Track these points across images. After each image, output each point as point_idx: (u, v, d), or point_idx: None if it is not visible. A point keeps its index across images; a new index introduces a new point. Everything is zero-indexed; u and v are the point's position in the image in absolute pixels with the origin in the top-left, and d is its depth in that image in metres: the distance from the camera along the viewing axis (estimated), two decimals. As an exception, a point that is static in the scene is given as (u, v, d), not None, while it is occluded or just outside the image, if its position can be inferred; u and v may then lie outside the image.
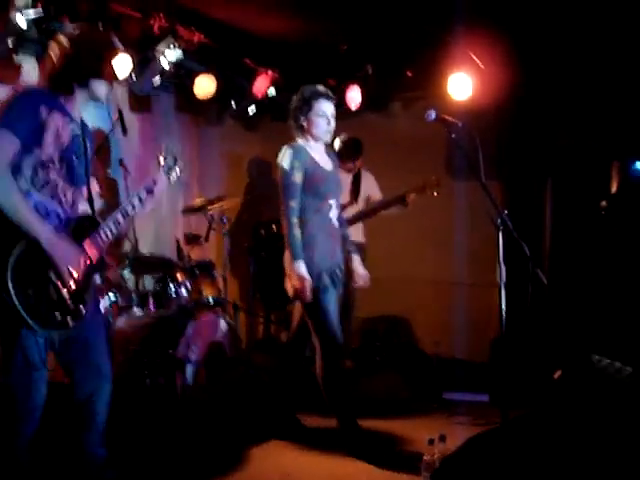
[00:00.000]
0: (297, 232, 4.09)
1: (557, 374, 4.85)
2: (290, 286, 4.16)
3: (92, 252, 3.23)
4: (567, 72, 5.83)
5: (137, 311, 4.94)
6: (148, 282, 5.42)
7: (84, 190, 3.36)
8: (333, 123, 4.30)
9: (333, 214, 4.31)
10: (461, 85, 5.98)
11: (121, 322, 4.78)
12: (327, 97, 4.28)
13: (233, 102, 6.55)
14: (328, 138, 4.34)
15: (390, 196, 5.69)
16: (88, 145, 3.32)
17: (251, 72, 6.35)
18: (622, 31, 5.30)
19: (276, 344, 6.68)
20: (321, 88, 4.32)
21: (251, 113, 6.69)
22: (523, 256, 3.96)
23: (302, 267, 4.07)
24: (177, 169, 3.63)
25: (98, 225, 3.29)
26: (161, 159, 3.59)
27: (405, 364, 6.07)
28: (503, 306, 3.99)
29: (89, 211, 3.34)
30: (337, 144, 5.89)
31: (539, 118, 6.14)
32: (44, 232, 3.01)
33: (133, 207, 3.39)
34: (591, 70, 5.75)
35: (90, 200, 3.36)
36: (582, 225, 6.16)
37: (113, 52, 3.28)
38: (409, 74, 6.42)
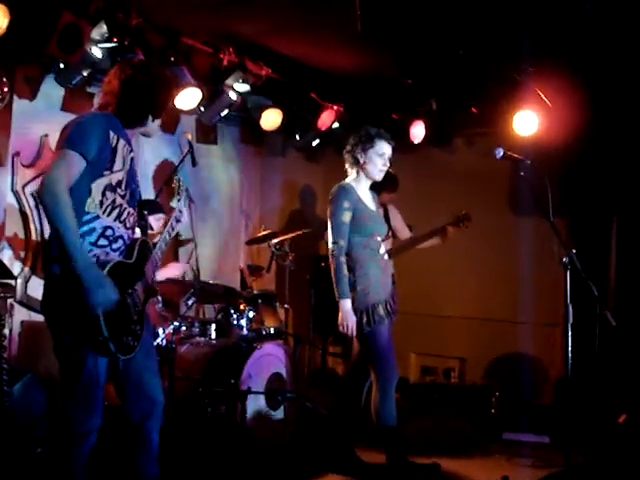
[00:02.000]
0: (345, 270, 4.18)
1: (622, 418, 4.75)
2: (339, 322, 4.21)
3: (150, 276, 3.29)
4: (634, 111, 5.75)
5: (199, 340, 5.00)
6: (211, 311, 5.48)
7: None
8: (388, 165, 4.40)
9: (382, 249, 4.40)
10: (527, 122, 5.94)
11: (183, 350, 4.84)
12: (388, 140, 4.40)
13: (297, 135, 6.62)
14: (380, 178, 4.43)
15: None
16: (137, 171, 3.41)
17: (317, 106, 6.43)
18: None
19: (334, 377, 6.67)
20: (382, 130, 4.43)
21: (314, 144, 6.76)
22: (590, 296, 3.91)
23: (348, 305, 4.16)
24: (184, 196, 3.67)
25: (151, 249, 3.35)
26: (175, 187, 3.63)
27: (466, 403, 5.99)
28: (569, 347, 3.93)
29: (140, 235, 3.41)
30: None
31: (605, 156, 6.06)
32: (86, 266, 2.96)
33: (169, 235, 3.47)
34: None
35: (145, 224, 3.44)
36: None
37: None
38: (474, 110, 6.41)
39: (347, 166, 4.42)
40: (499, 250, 6.42)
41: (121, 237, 3.17)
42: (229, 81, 5.67)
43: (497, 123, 6.18)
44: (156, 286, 3.59)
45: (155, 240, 3.42)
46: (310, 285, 6.04)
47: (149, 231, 3.61)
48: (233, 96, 5.69)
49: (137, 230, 3.43)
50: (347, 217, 4.24)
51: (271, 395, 4.82)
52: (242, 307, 5.10)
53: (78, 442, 3.05)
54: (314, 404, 5.11)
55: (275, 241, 5.58)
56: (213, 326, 5.08)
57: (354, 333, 4.18)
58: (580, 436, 4.34)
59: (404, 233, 5.95)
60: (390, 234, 6.08)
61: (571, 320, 3.95)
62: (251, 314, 5.12)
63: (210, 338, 5.04)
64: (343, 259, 4.20)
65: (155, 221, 4.94)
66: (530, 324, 6.17)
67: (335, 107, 6.45)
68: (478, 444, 5.39)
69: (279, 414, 4.92)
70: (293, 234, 5.76)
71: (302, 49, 5.78)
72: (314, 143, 6.74)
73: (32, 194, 5.23)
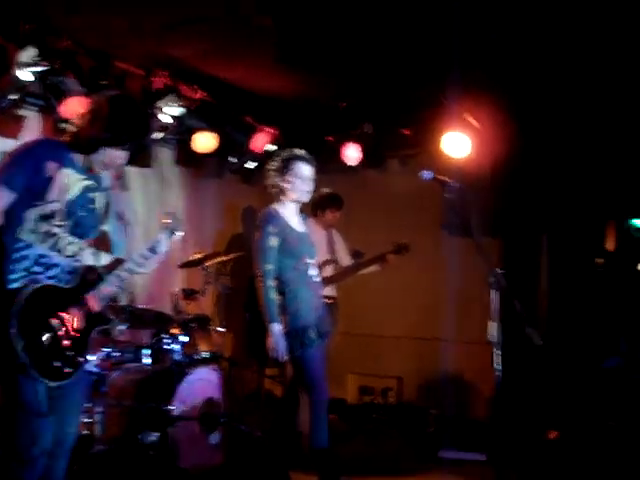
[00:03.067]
0: (272, 295, 4.20)
1: (552, 435, 4.84)
2: (268, 346, 4.22)
3: (94, 304, 3.24)
4: (562, 131, 5.92)
5: (132, 365, 4.93)
6: (143, 336, 5.41)
7: (91, 243, 3.38)
8: (312, 186, 4.41)
9: (312, 271, 4.40)
10: (457, 144, 6.05)
11: (115, 376, 4.77)
12: (306, 160, 4.41)
13: (232, 157, 6.63)
14: (306, 199, 4.46)
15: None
16: (101, 199, 3.35)
17: (251, 129, 6.45)
18: (617, 92, 5.39)
19: (271, 399, 6.64)
20: (300, 151, 4.45)
21: (250, 166, 6.77)
22: (516, 315, 3.98)
23: (277, 329, 4.17)
24: (179, 230, 3.66)
25: (101, 278, 3.30)
26: (163, 220, 3.62)
27: (402, 422, 6.03)
28: (496, 365, 3.99)
29: (95, 264, 3.36)
30: (316, 197, 6.00)
31: (535, 176, 6.21)
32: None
33: (137, 265, 3.41)
34: (586, 129, 5.84)
35: (96, 252, 3.38)
36: (578, 282, 6.19)
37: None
38: (406, 132, 6.51)
39: (272, 194, 4.43)
40: (432, 270, 6.51)
41: (57, 265, 3.14)
42: (162, 104, 5.65)
43: (429, 144, 6.28)
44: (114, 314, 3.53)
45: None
46: (245, 309, 6.00)
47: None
48: (165, 119, 5.66)
49: (104, 257, 3.39)
50: (273, 241, 4.25)
51: (204, 420, 4.77)
52: (175, 332, 5.05)
53: (24, 467, 3.01)
54: (248, 428, 5.09)
55: (209, 264, 5.55)
56: (146, 351, 5.01)
57: (284, 357, 4.18)
58: (514, 453, 4.40)
59: (345, 260, 6.01)
60: (332, 260, 6.14)
61: (498, 339, 4.00)
62: (185, 339, 5.07)
63: (143, 364, 4.97)
64: (270, 283, 4.21)
65: None
66: (464, 342, 6.26)
67: (269, 129, 6.48)
68: (415, 463, 5.42)
69: (213, 439, 4.87)
70: (226, 257, 5.74)
71: (236, 72, 5.81)
72: (249, 165, 6.75)
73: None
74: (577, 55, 5.04)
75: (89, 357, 3.27)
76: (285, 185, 4.35)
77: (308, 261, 4.40)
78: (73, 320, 3.14)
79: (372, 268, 5.75)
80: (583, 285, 6.18)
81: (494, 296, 4.01)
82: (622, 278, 6.20)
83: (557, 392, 5.68)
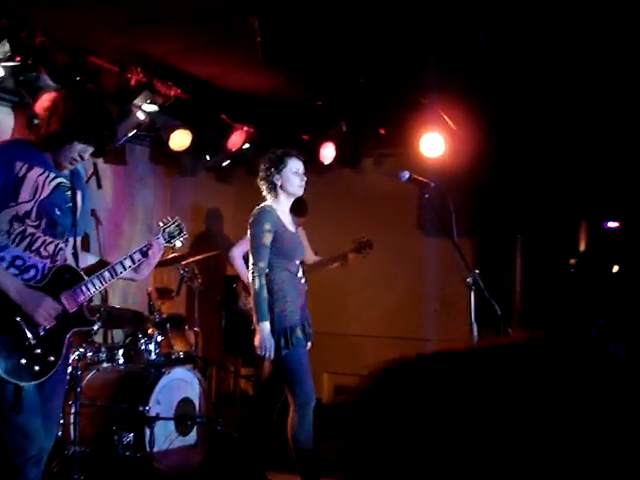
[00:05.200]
0: (264, 293, 4.17)
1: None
2: (256, 344, 4.19)
3: (70, 304, 3.18)
4: (537, 132, 5.96)
5: (106, 366, 4.89)
6: (118, 336, 5.36)
7: (69, 242, 3.34)
8: (305, 179, 4.44)
9: (300, 273, 4.43)
10: (433, 144, 6.08)
11: (90, 377, 4.72)
12: (298, 156, 4.45)
13: (207, 155, 6.59)
14: (301, 193, 4.46)
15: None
16: (78, 197, 3.30)
17: (227, 127, 6.42)
18: (591, 94, 5.44)
19: (246, 398, 6.63)
20: (291, 149, 4.49)
21: (225, 165, 6.74)
22: (494, 314, 4.01)
23: (267, 328, 4.14)
24: (181, 239, 3.62)
25: (80, 278, 3.26)
26: (161, 224, 3.58)
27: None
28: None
29: (73, 263, 3.31)
30: None
31: (509, 177, 6.26)
32: (12, 285, 3.00)
33: (124, 267, 3.35)
34: (560, 130, 5.89)
35: (75, 252, 3.33)
36: (552, 282, 6.25)
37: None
38: (382, 132, 6.52)
39: (265, 192, 4.41)
40: (407, 269, 6.53)
41: (34, 266, 3.10)
42: (137, 101, 5.59)
43: (405, 145, 6.31)
44: (90, 315, 3.47)
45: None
46: (220, 307, 5.99)
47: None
48: (141, 116, 5.61)
49: (89, 257, 3.39)
50: (268, 239, 4.23)
51: (180, 420, 4.74)
52: (150, 331, 5.01)
53: (21, 470, 2.96)
54: (225, 428, 5.06)
55: (184, 263, 5.50)
56: (120, 351, 4.97)
57: (272, 356, 4.16)
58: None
59: (310, 257, 6.00)
60: None
61: (476, 338, 4.04)
62: (159, 338, 5.03)
63: (117, 364, 4.93)
64: (263, 281, 4.18)
65: None
66: (437, 341, 6.28)
67: (245, 128, 6.45)
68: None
69: (190, 439, 4.85)
70: (202, 256, 5.70)
71: (211, 69, 5.76)
72: (224, 164, 6.72)
73: None
74: (552, 55, 5.07)
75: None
76: (281, 180, 4.34)
77: (297, 262, 4.43)
78: (43, 320, 3.08)
79: (333, 266, 5.77)
80: (556, 285, 6.24)
81: (472, 296, 4.06)
82: (595, 278, 6.27)
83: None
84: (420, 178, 4.30)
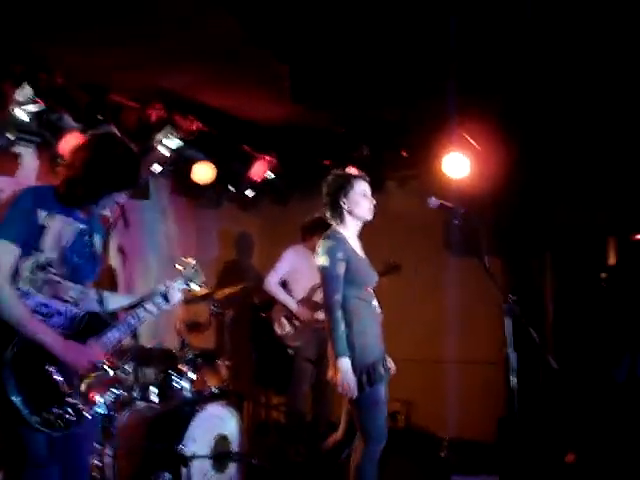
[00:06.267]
0: (342, 326, 3.90)
1: (570, 457, 4.80)
2: (337, 382, 3.92)
3: (97, 352, 3.17)
4: (563, 150, 5.91)
5: (140, 405, 4.86)
6: (149, 374, 5.33)
7: (92, 287, 3.33)
8: (374, 201, 4.20)
9: (375, 301, 4.17)
10: (457, 164, 6.02)
11: (124, 417, 4.69)
12: (363, 178, 4.24)
13: (231, 186, 6.58)
14: (371, 217, 4.20)
15: None
16: (97, 240, 3.30)
17: (249, 157, 6.41)
18: (616, 108, 5.38)
19: (279, 428, 6.57)
20: (354, 170, 4.26)
21: (250, 195, 6.73)
22: (531, 341, 3.94)
23: (347, 364, 3.87)
24: (198, 282, 3.61)
25: (106, 324, 3.24)
26: (180, 267, 3.57)
27: (412, 448, 5.95)
28: (513, 389, 3.95)
29: (98, 309, 3.29)
30: (306, 222, 6.01)
31: (536, 195, 6.20)
32: (49, 338, 2.99)
33: (146, 311, 3.34)
34: (586, 147, 5.83)
35: (99, 298, 3.32)
36: (584, 297, 6.18)
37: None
38: (404, 154, 6.48)
39: (329, 217, 4.16)
40: (436, 291, 6.46)
41: (59, 312, 3.09)
42: (159, 136, 5.61)
43: (427, 165, 6.26)
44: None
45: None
46: (250, 339, 5.96)
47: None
48: (163, 152, 5.62)
49: (112, 299, 3.39)
50: (342, 268, 3.96)
51: (217, 458, 4.70)
52: (182, 369, 4.97)
53: None
54: (260, 461, 5.02)
55: (216, 297, 5.48)
56: (154, 390, 4.93)
57: (355, 394, 3.87)
58: (528, 475, 4.36)
59: None
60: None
61: (515, 365, 3.97)
62: (192, 375, 4.99)
63: (151, 402, 4.90)
64: (340, 314, 3.91)
65: None
66: (469, 363, 6.22)
67: (267, 157, 6.44)
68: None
69: (226, 476, 4.80)
70: (233, 290, 5.67)
71: (231, 101, 5.79)
72: (248, 194, 6.71)
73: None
74: (574, 70, 5.02)
75: (97, 401, 3.17)
76: (349, 204, 4.12)
77: (370, 290, 4.16)
78: (79, 369, 3.07)
79: None
80: (589, 300, 6.17)
81: (508, 322, 3.99)
82: (626, 292, 6.19)
83: (570, 412, 5.64)
84: (449, 204, 4.24)
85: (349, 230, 4.15)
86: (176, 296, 3.46)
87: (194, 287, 3.60)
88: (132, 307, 3.40)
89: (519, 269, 6.30)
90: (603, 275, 6.36)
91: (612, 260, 6.34)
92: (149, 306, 3.36)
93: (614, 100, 5.26)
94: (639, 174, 5.80)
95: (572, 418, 5.60)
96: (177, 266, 3.58)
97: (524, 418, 4.39)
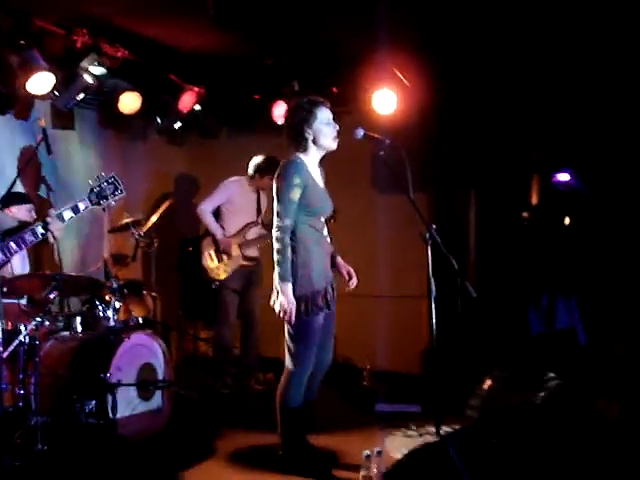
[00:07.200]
0: (289, 253, 3.93)
1: (487, 384, 4.97)
2: (277, 306, 3.99)
3: None
4: (488, 87, 5.99)
5: (65, 334, 4.83)
6: (75, 304, 5.30)
7: None
8: (337, 128, 4.15)
9: (325, 231, 4.21)
10: (385, 100, 6.06)
11: (48, 346, 4.66)
12: (326, 104, 4.16)
13: (158, 118, 6.48)
14: (335, 146, 4.17)
15: None
16: None
17: (177, 89, 6.30)
18: (544, 45, 5.45)
19: (206, 362, 6.62)
20: (318, 97, 4.18)
21: (177, 128, 6.64)
22: (450, 269, 4.05)
23: (290, 289, 3.92)
24: (116, 197, 3.56)
25: None
26: (90, 182, 3.53)
27: (337, 379, 6.09)
28: (433, 319, 4.07)
29: None
30: (258, 160, 6.02)
31: (462, 132, 6.28)
32: None
33: (45, 229, 3.34)
34: (512, 84, 5.92)
35: None
36: (505, 235, 6.33)
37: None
38: (334, 90, 6.47)
39: (292, 146, 4.10)
40: (363, 227, 6.54)
41: None
42: (84, 64, 5.44)
43: (357, 102, 6.27)
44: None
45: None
46: (177, 270, 5.95)
47: None
48: (89, 79, 5.48)
49: None
50: (296, 194, 3.95)
51: (142, 386, 4.72)
52: (108, 298, 4.95)
53: None
54: (187, 391, 5.07)
55: (139, 228, 5.44)
56: (78, 319, 4.91)
57: (293, 319, 3.94)
58: (449, 404, 4.51)
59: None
60: (259, 222, 6.12)
61: (434, 293, 4.08)
62: (118, 305, 4.98)
63: (76, 331, 4.88)
64: (288, 240, 3.94)
65: (26, 212, 4.78)
66: (392, 297, 6.34)
67: (195, 89, 6.34)
68: (353, 418, 5.50)
69: (152, 404, 4.83)
70: (155, 215, 5.62)
71: (159, 30, 5.63)
72: (176, 126, 6.62)
73: None
74: (500, 10, 5.06)
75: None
76: (314, 133, 4.06)
77: (323, 219, 4.17)
78: None
79: None
80: (510, 238, 6.32)
81: (429, 251, 4.09)
82: (547, 231, 6.37)
83: (489, 343, 5.84)
84: (375, 135, 4.27)
85: (311, 158, 4.12)
86: (57, 224, 3.45)
87: (112, 202, 3.55)
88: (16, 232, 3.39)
89: (444, 204, 6.42)
90: (525, 214, 6.53)
91: (535, 200, 6.50)
92: (27, 235, 3.36)
93: (541, 37, 5.32)
94: (566, 112, 5.92)
95: (488, 347, 5.79)
96: (89, 182, 3.53)
97: (445, 348, 4.53)
